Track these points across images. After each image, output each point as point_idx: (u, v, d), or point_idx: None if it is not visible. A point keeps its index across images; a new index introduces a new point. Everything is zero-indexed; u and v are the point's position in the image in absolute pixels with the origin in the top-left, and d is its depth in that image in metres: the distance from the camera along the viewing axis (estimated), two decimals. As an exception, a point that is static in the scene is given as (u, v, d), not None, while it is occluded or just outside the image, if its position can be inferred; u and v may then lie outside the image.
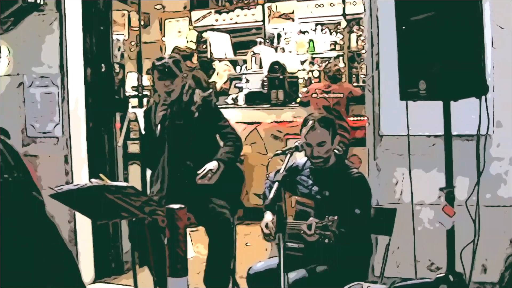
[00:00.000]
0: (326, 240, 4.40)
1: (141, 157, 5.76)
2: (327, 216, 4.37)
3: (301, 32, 12.90)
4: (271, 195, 4.05)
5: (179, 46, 9.88)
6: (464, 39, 4.19)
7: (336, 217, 4.32)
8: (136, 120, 7.61)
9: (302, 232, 4.41)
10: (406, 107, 4.65)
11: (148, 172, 6.28)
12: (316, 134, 4.80)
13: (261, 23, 13.04)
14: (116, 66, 7.55)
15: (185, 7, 13.80)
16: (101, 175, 4.28)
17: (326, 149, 4.81)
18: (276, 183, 4.11)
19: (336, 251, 4.53)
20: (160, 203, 4.64)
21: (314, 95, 9.59)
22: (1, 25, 6.62)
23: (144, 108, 5.96)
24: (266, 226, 4.80)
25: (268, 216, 4.82)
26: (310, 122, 4.83)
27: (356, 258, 4.70)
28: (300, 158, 5.08)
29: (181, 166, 5.50)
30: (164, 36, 13.78)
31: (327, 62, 10.86)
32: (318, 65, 12.35)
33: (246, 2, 13.28)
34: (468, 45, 4.20)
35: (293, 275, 4.54)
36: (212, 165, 5.39)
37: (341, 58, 12.50)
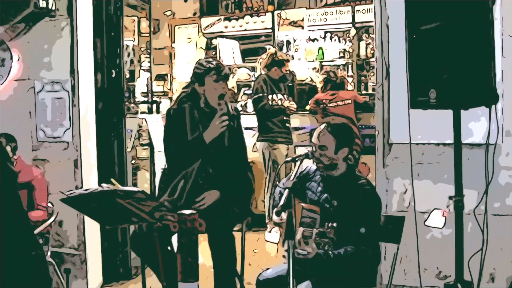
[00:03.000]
0: (326, 247, 4.42)
1: (172, 161, 5.70)
2: (326, 223, 4.38)
3: (310, 39, 12.92)
4: (282, 202, 4.05)
5: (272, 50, 9.80)
6: (474, 48, 4.20)
7: (335, 224, 4.32)
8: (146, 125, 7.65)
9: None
10: (408, 115, 4.67)
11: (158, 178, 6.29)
12: (322, 136, 4.81)
13: (271, 30, 13.05)
14: (126, 71, 7.58)
15: (195, 14, 13.83)
16: (112, 180, 4.28)
17: (328, 155, 4.79)
18: (287, 190, 4.11)
19: (345, 259, 4.53)
20: (174, 209, 4.63)
21: (321, 106, 9.58)
22: (13, 30, 6.66)
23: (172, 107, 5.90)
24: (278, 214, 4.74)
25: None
26: (323, 125, 4.85)
27: (364, 266, 4.69)
28: (312, 164, 5.07)
29: (203, 173, 5.50)
30: (173, 42, 13.80)
31: (327, 71, 10.81)
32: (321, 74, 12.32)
33: (255, 9, 13.31)
34: (478, 54, 4.22)
35: (302, 287, 4.55)
36: (212, 199, 5.44)
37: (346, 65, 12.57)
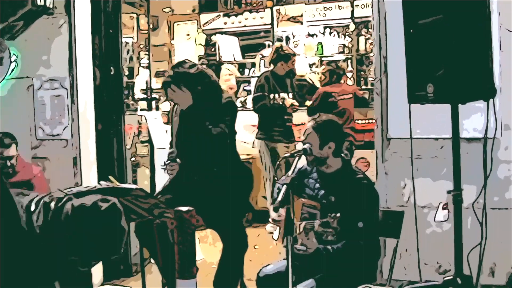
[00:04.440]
0: (329, 237, 4.42)
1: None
2: (329, 214, 4.38)
3: (309, 35, 12.92)
4: (280, 198, 4.06)
5: (278, 44, 9.66)
6: (472, 42, 4.19)
7: (338, 214, 4.33)
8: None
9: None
10: (409, 110, 4.66)
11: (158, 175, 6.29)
12: (306, 133, 4.87)
13: (270, 26, 13.06)
14: (125, 68, 7.57)
15: (194, 10, 13.82)
16: (110, 177, 4.27)
17: (313, 152, 4.79)
18: (285, 186, 4.12)
19: (344, 254, 4.54)
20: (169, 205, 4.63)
21: (330, 99, 9.45)
22: (11, 28, 6.65)
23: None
24: (275, 210, 4.80)
25: (275, 216, 4.82)
26: (311, 122, 4.87)
27: (364, 261, 4.69)
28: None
29: (195, 169, 5.50)
30: (172, 39, 13.80)
31: (329, 62, 10.70)
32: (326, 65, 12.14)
33: (254, 5, 13.30)
34: (476, 48, 4.21)
35: (302, 286, 4.55)
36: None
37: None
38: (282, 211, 4.72)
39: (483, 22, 4.23)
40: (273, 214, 4.83)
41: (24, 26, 6.68)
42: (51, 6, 6.56)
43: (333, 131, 4.89)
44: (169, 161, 5.46)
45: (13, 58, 6.77)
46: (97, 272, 6.87)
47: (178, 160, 5.44)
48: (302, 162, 4.90)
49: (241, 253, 5.59)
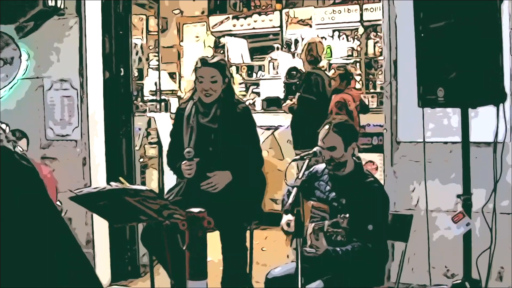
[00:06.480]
0: (339, 237, 4.41)
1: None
2: (338, 215, 4.37)
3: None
4: (290, 201, 4.04)
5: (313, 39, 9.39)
6: (482, 47, 4.20)
7: (347, 215, 4.32)
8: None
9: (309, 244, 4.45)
10: (422, 114, 4.66)
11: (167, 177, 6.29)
12: (328, 138, 4.80)
13: (279, 28, 13.06)
14: (135, 70, 7.58)
15: (203, 12, 13.85)
16: (120, 178, 4.29)
17: (338, 155, 4.78)
18: (295, 189, 4.11)
19: (353, 256, 4.53)
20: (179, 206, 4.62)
21: (349, 107, 9.27)
22: (22, 29, 6.67)
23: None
24: (288, 225, 4.79)
25: (289, 216, 4.78)
26: (327, 126, 4.83)
27: (372, 264, 4.69)
28: (320, 163, 5.05)
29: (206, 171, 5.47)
30: (181, 40, 13.82)
31: (342, 65, 10.57)
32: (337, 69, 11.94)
33: (263, 7, 13.30)
34: (486, 52, 4.22)
35: (311, 286, 4.55)
36: (224, 181, 5.45)
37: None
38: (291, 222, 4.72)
39: (494, 26, 4.24)
40: (284, 218, 4.81)
41: (34, 27, 6.71)
42: (62, 7, 6.57)
43: (352, 131, 4.89)
44: (185, 161, 5.42)
45: (24, 58, 6.80)
46: (104, 272, 6.88)
47: (195, 159, 5.40)
48: (312, 165, 4.90)
49: (241, 254, 5.56)
